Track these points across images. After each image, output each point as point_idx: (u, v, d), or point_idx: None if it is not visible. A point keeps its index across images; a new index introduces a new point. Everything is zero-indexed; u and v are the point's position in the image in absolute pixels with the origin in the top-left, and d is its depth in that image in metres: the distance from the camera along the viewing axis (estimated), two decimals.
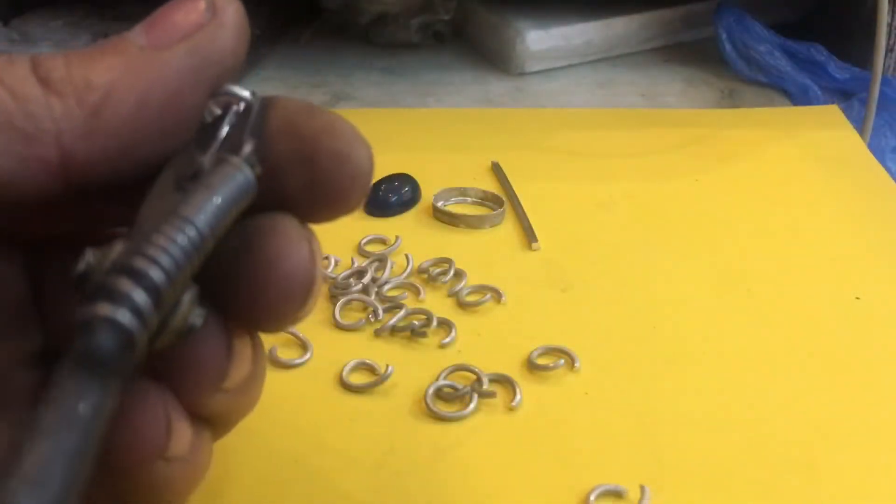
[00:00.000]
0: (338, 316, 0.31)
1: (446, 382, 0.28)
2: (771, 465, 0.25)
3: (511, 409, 0.27)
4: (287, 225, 0.17)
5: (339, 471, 0.25)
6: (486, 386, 0.28)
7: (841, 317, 0.32)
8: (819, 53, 0.52)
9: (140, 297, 0.14)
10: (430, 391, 0.27)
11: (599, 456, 0.25)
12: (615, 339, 0.30)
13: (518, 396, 0.27)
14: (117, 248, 0.15)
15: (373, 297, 0.32)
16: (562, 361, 0.29)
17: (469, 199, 0.39)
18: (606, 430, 0.26)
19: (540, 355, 0.29)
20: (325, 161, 0.17)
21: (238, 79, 0.18)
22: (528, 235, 0.36)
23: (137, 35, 0.17)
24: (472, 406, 0.27)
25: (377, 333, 0.30)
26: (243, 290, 0.17)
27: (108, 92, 0.16)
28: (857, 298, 0.32)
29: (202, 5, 0.17)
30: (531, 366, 0.29)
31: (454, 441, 0.26)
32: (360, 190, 0.18)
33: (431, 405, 0.27)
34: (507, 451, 0.26)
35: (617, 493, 0.24)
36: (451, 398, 0.27)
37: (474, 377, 0.28)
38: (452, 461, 0.25)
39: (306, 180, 0.17)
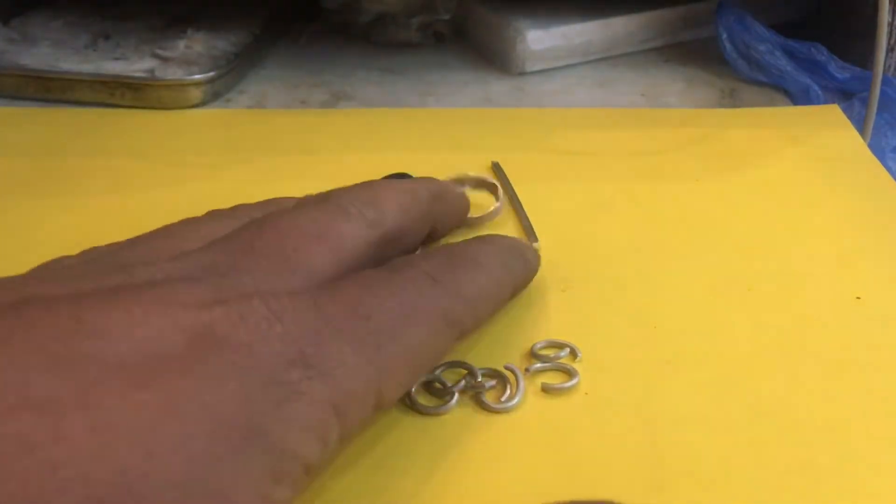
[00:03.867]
0: None
1: (444, 381, 0.28)
2: (771, 465, 0.25)
3: (510, 408, 0.27)
4: None
5: (337, 471, 0.25)
6: (486, 386, 0.28)
7: (841, 317, 0.32)
8: (820, 53, 0.52)
9: None
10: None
11: (599, 456, 0.25)
12: (615, 339, 0.30)
13: (518, 396, 0.27)
14: None
15: None
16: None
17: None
18: (606, 430, 0.26)
19: None
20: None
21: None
22: (528, 235, 0.36)
23: None
24: (471, 406, 0.27)
25: None
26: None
27: None
28: (858, 298, 0.32)
29: None
30: None
31: (453, 441, 0.26)
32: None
33: (429, 404, 0.27)
34: (507, 451, 0.26)
35: None
36: (442, 395, 0.27)
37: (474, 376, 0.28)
38: (451, 461, 0.25)
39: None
